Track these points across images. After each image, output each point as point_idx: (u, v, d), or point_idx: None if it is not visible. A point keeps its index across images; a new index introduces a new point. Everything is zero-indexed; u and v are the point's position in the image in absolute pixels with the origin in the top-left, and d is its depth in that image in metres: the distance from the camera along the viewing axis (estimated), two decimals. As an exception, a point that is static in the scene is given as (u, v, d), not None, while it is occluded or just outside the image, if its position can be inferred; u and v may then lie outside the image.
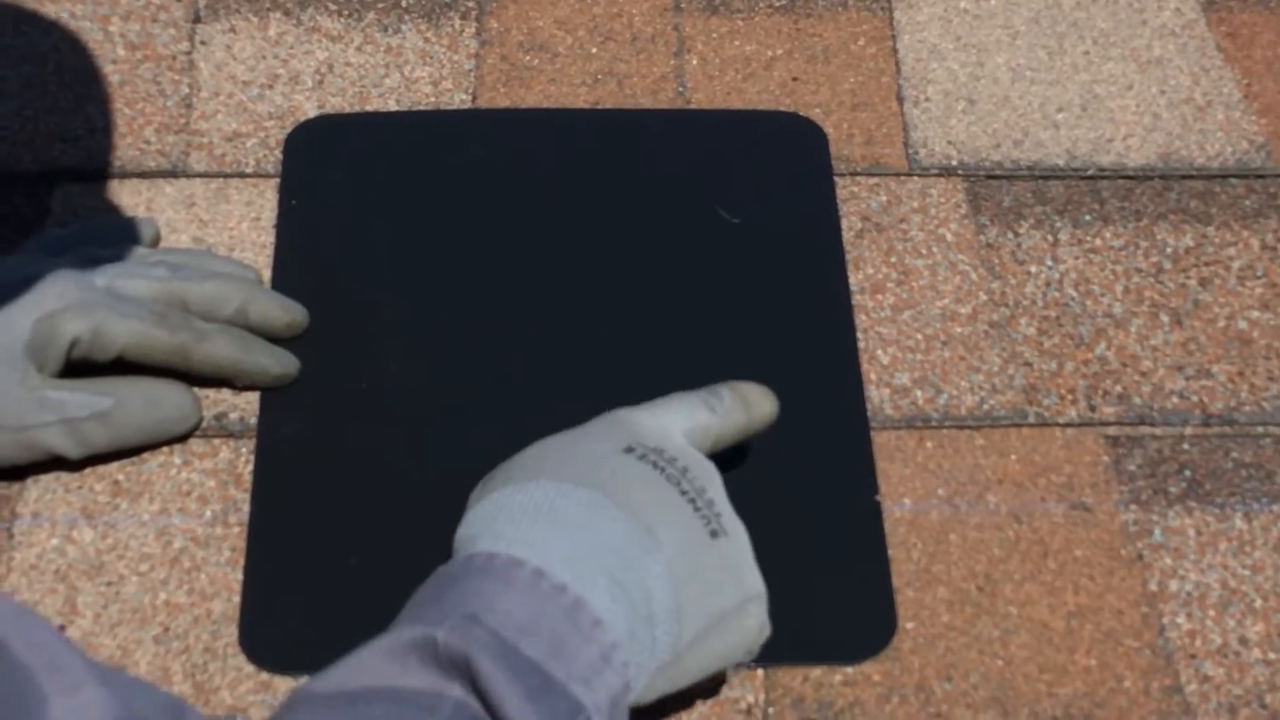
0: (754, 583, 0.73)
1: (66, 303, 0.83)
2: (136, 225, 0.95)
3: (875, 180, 1.03)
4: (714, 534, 0.72)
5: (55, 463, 0.85)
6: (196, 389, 0.89)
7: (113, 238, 0.92)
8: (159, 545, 0.85)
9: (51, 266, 0.85)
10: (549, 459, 0.75)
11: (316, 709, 0.62)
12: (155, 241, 0.95)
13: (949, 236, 1.00)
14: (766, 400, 0.82)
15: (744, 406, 0.81)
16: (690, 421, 0.78)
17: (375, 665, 0.63)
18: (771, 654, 0.81)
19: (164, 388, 0.87)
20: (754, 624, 0.73)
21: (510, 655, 0.63)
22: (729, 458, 0.89)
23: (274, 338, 0.91)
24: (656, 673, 0.69)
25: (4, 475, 0.86)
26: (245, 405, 0.90)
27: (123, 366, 0.85)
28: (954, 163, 1.04)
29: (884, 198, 1.02)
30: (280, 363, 0.90)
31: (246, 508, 0.86)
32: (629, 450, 0.74)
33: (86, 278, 0.85)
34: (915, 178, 1.04)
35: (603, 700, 0.64)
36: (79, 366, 0.84)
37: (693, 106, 1.07)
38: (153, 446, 0.88)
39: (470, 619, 0.64)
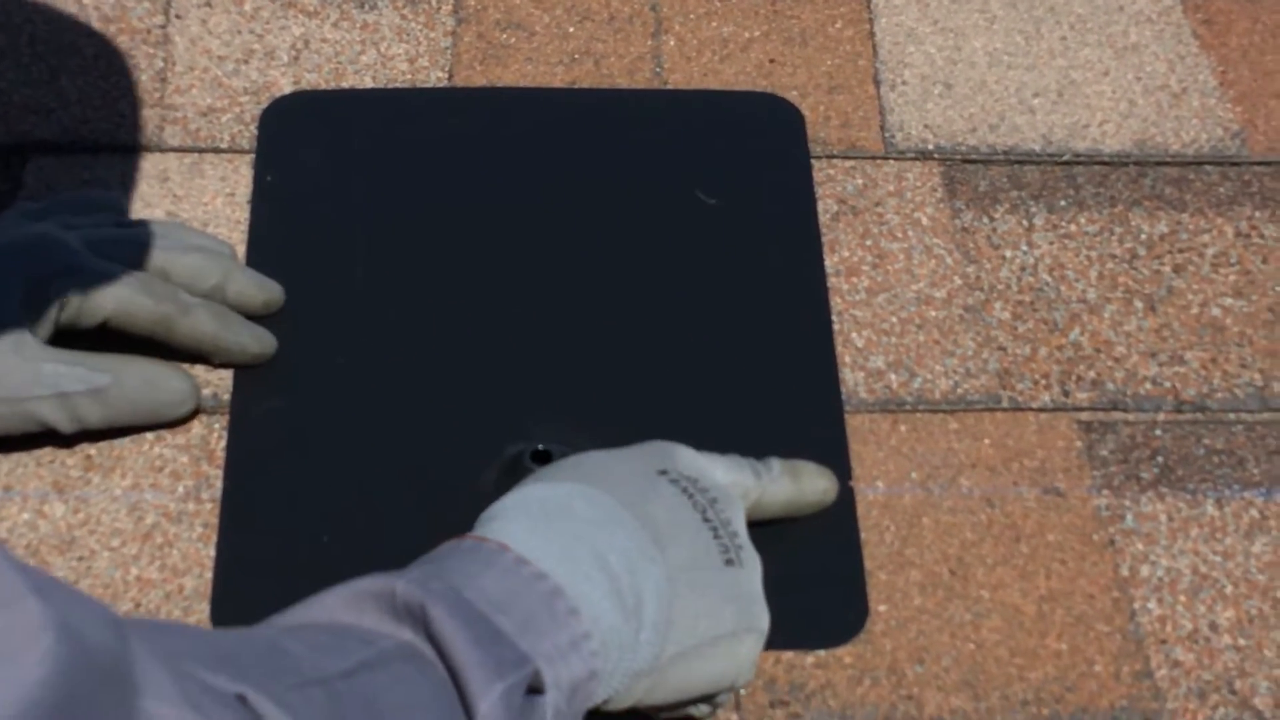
0: (758, 616, 0.74)
1: (55, 267, 0.83)
2: (107, 197, 0.94)
3: (851, 163, 1.03)
4: (729, 562, 0.74)
5: (46, 437, 0.85)
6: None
7: (85, 209, 0.92)
8: (131, 520, 0.84)
9: (36, 232, 0.85)
10: (583, 466, 0.76)
11: (269, 632, 0.62)
12: (122, 215, 0.95)
13: (924, 220, 1.00)
14: (820, 478, 0.84)
15: (793, 479, 0.83)
16: (731, 476, 0.80)
17: (332, 606, 0.64)
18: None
19: (163, 371, 0.86)
20: (745, 655, 0.73)
21: (464, 606, 0.63)
22: (698, 444, 0.89)
23: (249, 316, 0.90)
24: (633, 677, 0.69)
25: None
26: (219, 381, 0.90)
27: (104, 335, 0.85)
28: (930, 147, 1.04)
29: (860, 181, 1.02)
30: (260, 341, 0.90)
31: (219, 484, 0.86)
32: (663, 473, 0.76)
33: (71, 243, 0.85)
34: (891, 161, 1.04)
35: (564, 680, 0.65)
36: (62, 333, 0.84)
37: (669, 87, 1.07)
38: (145, 429, 0.87)
39: (433, 575, 0.65)
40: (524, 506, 0.72)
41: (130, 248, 0.87)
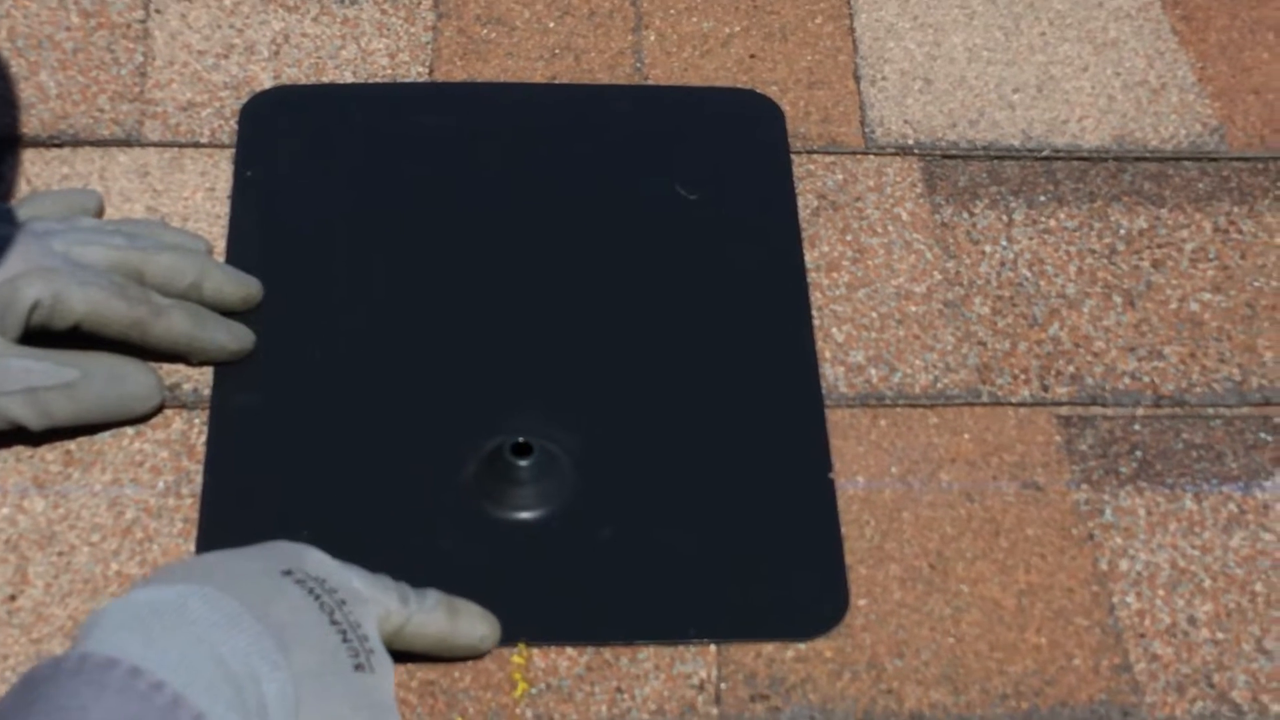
0: None
1: (26, 267, 0.83)
2: (82, 196, 0.94)
3: (831, 158, 1.04)
4: (359, 667, 0.70)
5: (14, 435, 0.85)
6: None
7: (60, 210, 0.92)
8: (111, 516, 0.84)
9: (7, 232, 0.84)
10: (199, 566, 0.72)
11: None
12: (100, 213, 0.95)
13: (904, 215, 1.01)
14: (481, 622, 0.80)
15: (449, 615, 0.78)
16: (371, 592, 0.75)
17: None
18: (724, 630, 0.82)
19: (129, 366, 0.86)
20: None
21: None
22: (679, 437, 0.89)
23: (228, 312, 0.90)
24: None
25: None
26: (199, 376, 0.90)
27: (76, 338, 0.84)
28: (910, 142, 1.05)
29: (840, 176, 1.02)
30: (236, 338, 0.89)
31: (199, 479, 0.86)
32: (287, 573, 0.72)
33: (45, 243, 0.85)
34: (871, 156, 1.04)
35: None
36: (34, 335, 0.83)
37: (650, 82, 1.07)
38: (112, 425, 0.87)
39: None
40: (131, 611, 0.66)
41: (106, 247, 0.87)
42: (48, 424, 0.84)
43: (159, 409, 0.88)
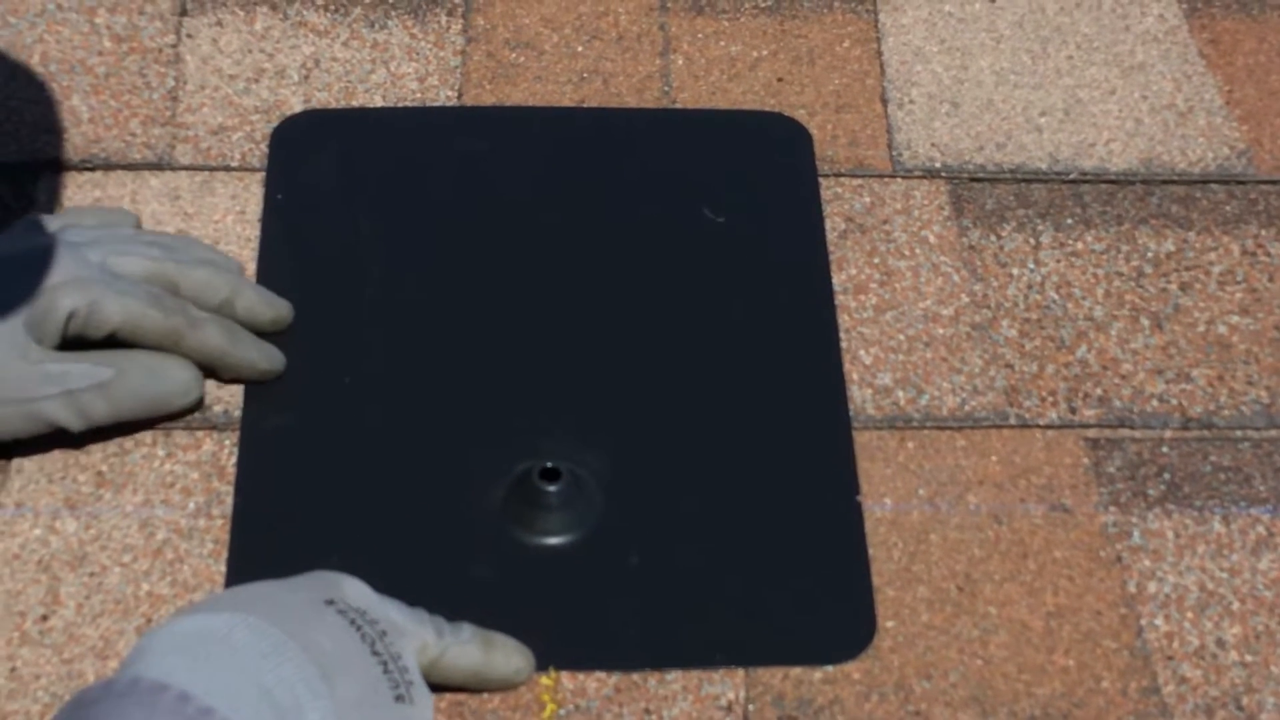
0: None
1: (64, 276, 0.83)
2: (119, 212, 0.95)
3: (859, 181, 1.04)
4: (399, 698, 0.71)
5: (57, 438, 0.86)
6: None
7: (97, 222, 0.92)
8: (142, 536, 0.85)
9: (46, 242, 0.85)
10: (243, 595, 0.73)
11: None
12: (134, 229, 0.95)
13: (932, 238, 1.01)
14: (516, 655, 0.80)
15: (483, 648, 0.78)
16: (409, 625, 0.76)
17: None
18: (752, 654, 0.82)
19: (165, 361, 0.86)
20: None
21: None
22: (707, 460, 0.89)
23: (258, 333, 0.91)
24: None
25: (3, 450, 0.87)
26: (229, 398, 0.90)
27: (113, 347, 0.85)
28: (937, 165, 1.05)
29: (867, 199, 1.03)
30: (268, 357, 0.90)
31: (229, 500, 0.86)
32: (329, 603, 0.73)
33: (81, 253, 0.85)
34: (899, 179, 1.04)
35: None
36: (72, 343, 0.84)
37: (678, 106, 1.07)
38: (152, 422, 0.88)
39: None
40: (179, 638, 0.67)
41: (140, 259, 0.87)
42: (87, 424, 0.84)
43: (199, 403, 0.89)
